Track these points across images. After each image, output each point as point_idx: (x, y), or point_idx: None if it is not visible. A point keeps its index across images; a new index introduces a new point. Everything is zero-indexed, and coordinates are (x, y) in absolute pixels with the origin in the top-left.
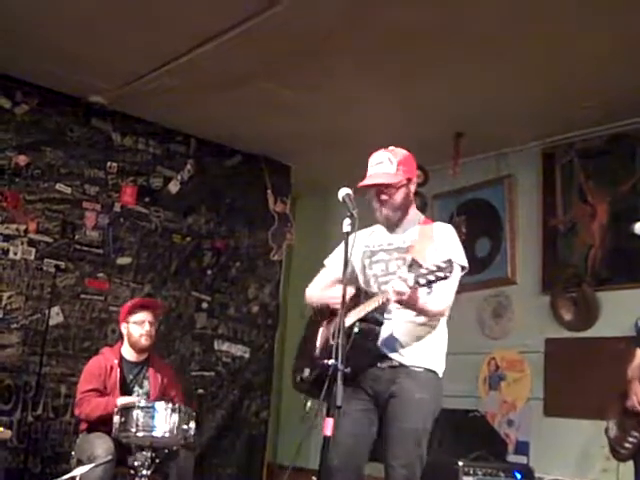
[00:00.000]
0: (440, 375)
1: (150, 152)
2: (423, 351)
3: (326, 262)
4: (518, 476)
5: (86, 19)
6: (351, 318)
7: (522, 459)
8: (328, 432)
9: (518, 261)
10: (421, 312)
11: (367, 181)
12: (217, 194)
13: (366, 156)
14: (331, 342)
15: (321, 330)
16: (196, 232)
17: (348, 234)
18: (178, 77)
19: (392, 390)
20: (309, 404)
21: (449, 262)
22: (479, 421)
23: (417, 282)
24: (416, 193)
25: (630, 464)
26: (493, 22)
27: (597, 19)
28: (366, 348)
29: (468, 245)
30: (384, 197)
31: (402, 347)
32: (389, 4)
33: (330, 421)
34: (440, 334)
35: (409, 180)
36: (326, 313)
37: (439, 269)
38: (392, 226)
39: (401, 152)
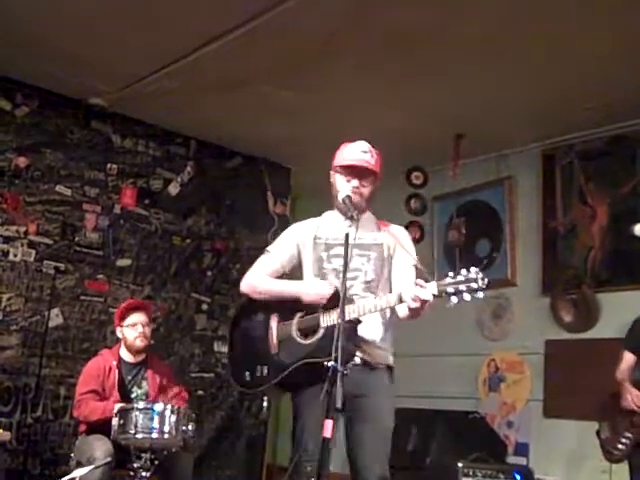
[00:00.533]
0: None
1: (150, 154)
2: (383, 349)
3: (270, 249)
4: (518, 477)
5: (86, 21)
6: (333, 316)
7: (522, 460)
8: (327, 434)
9: (518, 263)
10: (417, 317)
11: (355, 161)
12: (217, 196)
13: None
14: (300, 341)
15: (274, 326)
16: (196, 234)
17: (348, 235)
18: (178, 79)
19: (359, 390)
20: (265, 404)
21: (478, 273)
22: (479, 422)
23: (445, 292)
24: (416, 195)
25: (623, 465)
26: (493, 23)
27: (597, 19)
28: (346, 347)
29: (468, 247)
30: (357, 184)
31: (367, 345)
32: (389, 5)
33: (330, 423)
34: (393, 332)
35: (377, 178)
36: (272, 307)
37: (469, 280)
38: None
39: (376, 151)
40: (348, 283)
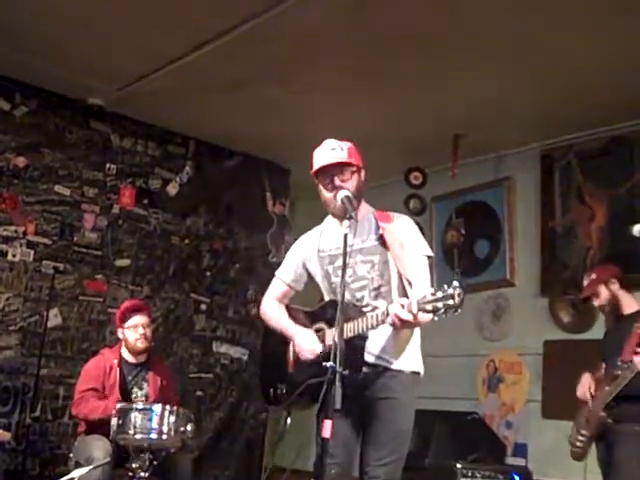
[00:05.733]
0: (422, 376)
1: (149, 154)
2: (406, 354)
3: (277, 274)
4: (516, 478)
5: (85, 20)
6: (331, 333)
7: (520, 461)
8: (327, 434)
9: (517, 263)
10: (416, 326)
11: (324, 162)
12: (216, 196)
13: (365, 157)
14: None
15: (292, 344)
16: (195, 234)
17: (347, 236)
18: (177, 79)
19: (379, 393)
20: (289, 420)
21: (456, 288)
22: (478, 423)
23: (424, 310)
24: (415, 195)
25: None
26: (492, 23)
27: (596, 20)
28: (353, 362)
29: (467, 247)
30: (338, 182)
31: (386, 352)
32: (388, 6)
33: (329, 423)
34: (416, 334)
35: (359, 169)
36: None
37: (447, 297)
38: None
39: (348, 143)
40: (359, 294)
